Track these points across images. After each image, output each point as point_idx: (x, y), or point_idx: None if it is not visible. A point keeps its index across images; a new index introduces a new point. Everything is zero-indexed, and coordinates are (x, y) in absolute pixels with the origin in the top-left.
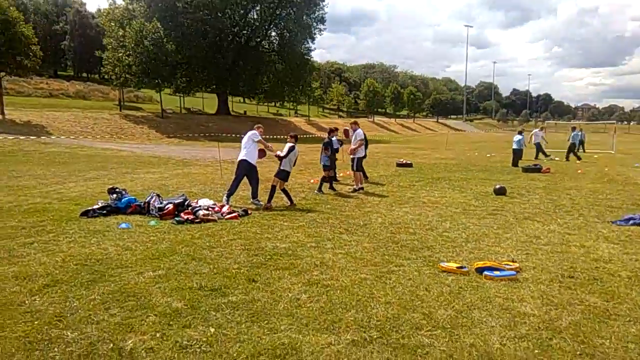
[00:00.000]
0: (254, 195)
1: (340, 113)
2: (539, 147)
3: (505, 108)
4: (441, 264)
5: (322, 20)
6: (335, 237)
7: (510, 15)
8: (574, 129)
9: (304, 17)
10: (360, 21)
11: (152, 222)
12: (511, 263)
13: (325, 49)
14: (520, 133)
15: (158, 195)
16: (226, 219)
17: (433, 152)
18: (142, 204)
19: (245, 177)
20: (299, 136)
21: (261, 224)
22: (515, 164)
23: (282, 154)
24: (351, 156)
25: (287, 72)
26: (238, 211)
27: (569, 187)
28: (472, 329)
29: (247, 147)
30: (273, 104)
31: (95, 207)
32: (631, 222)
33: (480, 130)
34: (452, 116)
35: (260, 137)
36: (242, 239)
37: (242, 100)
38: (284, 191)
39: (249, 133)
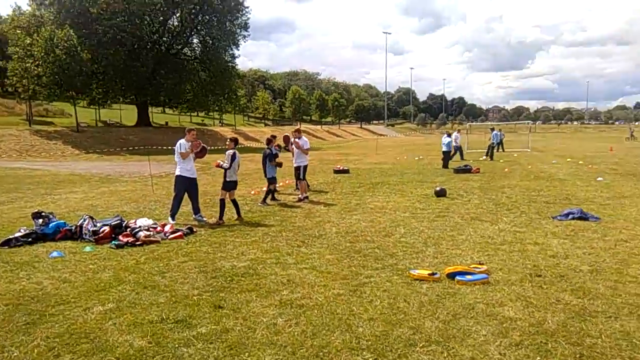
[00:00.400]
0: (196, 210)
1: (266, 121)
2: (459, 149)
3: (423, 112)
4: (411, 272)
5: (245, 27)
6: (294, 251)
7: (424, 21)
8: (492, 129)
9: (227, 24)
10: (281, 28)
11: (88, 248)
12: (479, 266)
13: (246, 56)
14: (448, 135)
15: (91, 218)
16: (170, 239)
17: (364, 157)
18: (74, 228)
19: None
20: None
21: (211, 242)
22: (445, 165)
23: (225, 165)
24: (295, 165)
25: (212, 80)
26: (182, 230)
27: (501, 185)
28: (466, 340)
29: (179, 161)
30: (196, 113)
31: (18, 234)
32: (570, 216)
33: (402, 134)
34: (374, 121)
35: (185, 147)
36: (194, 260)
37: (162, 110)
38: (234, 202)
39: (176, 145)
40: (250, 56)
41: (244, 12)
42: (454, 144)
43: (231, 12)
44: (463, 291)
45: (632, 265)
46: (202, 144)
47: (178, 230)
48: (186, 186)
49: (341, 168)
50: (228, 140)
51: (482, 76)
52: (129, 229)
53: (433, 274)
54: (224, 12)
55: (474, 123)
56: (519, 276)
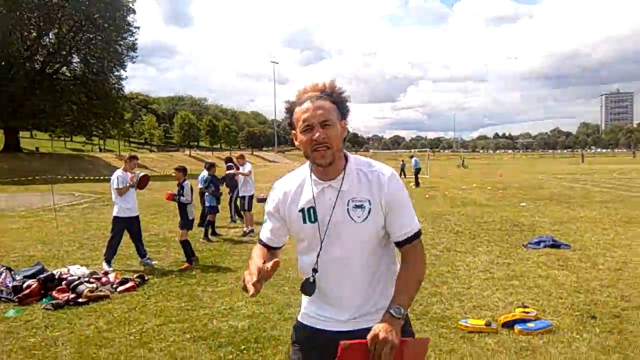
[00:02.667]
0: (142, 253)
1: (151, 147)
2: None
3: None
4: (462, 322)
5: (133, 48)
6: (292, 301)
7: (305, 54)
8: (412, 157)
9: (113, 44)
10: (160, 52)
11: (11, 312)
12: (526, 309)
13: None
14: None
15: (9, 269)
16: (120, 292)
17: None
18: None
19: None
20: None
21: (178, 294)
22: None
23: (186, 199)
24: (241, 194)
25: (94, 102)
26: (132, 279)
27: (439, 212)
28: None
29: (116, 199)
30: (70, 138)
31: None
32: (542, 244)
33: (295, 161)
34: (265, 148)
35: (122, 182)
36: (175, 322)
37: (31, 134)
38: (185, 243)
39: (112, 179)
40: (127, 79)
41: (132, 32)
42: None
43: (117, 32)
44: (535, 344)
45: None
46: (142, 172)
47: (128, 280)
48: (126, 227)
49: (264, 196)
50: (174, 171)
51: (361, 107)
52: (64, 282)
53: (488, 324)
54: (109, 31)
55: (378, 151)
56: (572, 319)
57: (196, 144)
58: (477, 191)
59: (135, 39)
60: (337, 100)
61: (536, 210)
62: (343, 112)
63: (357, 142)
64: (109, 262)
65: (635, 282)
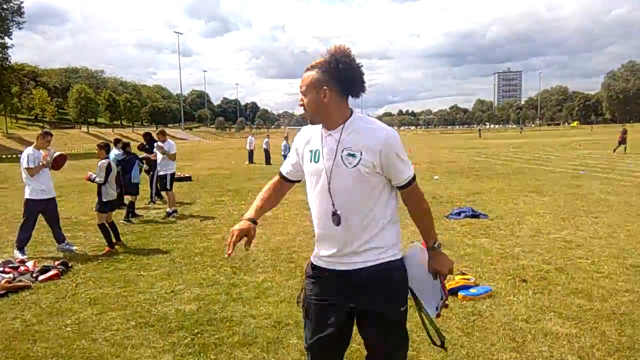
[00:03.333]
0: (60, 238)
1: (44, 124)
2: (267, 153)
3: (218, 116)
4: None
5: (19, 12)
6: (238, 281)
7: (211, 25)
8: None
9: None
10: (48, 19)
11: None
12: (465, 276)
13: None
14: (286, 139)
15: None
16: (42, 281)
17: (193, 162)
18: None
19: (41, 217)
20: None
21: (109, 280)
22: None
23: (99, 180)
24: (161, 173)
25: None
26: (53, 266)
27: None
28: None
29: (27, 179)
30: None
31: None
32: (463, 215)
33: (203, 139)
34: (170, 125)
35: (34, 160)
36: (115, 310)
37: None
38: (112, 225)
39: (22, 158)
40: (12, 47)
41: None
42: (248, 147)
43: None
44: (480, 308)
45: (578, 255)
46: (58, 152)
47: (49, 268)
48: (41, 209)
49: (183, 175)
50: (98, 148)
51: (270, 82)
52: None
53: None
54: None
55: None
56: (506, 283)
57: (94, 120)
58: None
59: (21, 2)
60: (322, 69)
61: (449, 183)
62: (331, 79)
63: (267, 119)
64: (21, 250)
65: (551, 246)
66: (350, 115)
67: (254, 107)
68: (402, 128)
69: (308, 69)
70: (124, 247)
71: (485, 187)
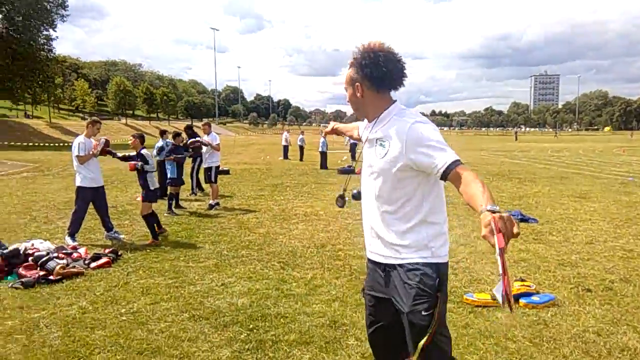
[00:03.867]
0: (109, 227)
1: (84, 114)
2: (301, 149)
3: (251, 112)
4: (468, 297)
5: (63, 5)
6: (287, 276)
7: (246, 22)
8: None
9: (41, 0)
10: (89, 13)
11: None
12: (525, 283)
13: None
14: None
15: None
16: (94, 269)
17: (229, 157)
18: None
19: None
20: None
21: (159, 270)
22: (324, 165)
23: (149, 167)
24: (206, 165)
25: (21, 63)
26: (104, 254)
27: None
28: None
29: (78, 167)
30: None
31: None
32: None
33: (237, 133)
34: (205, 119)
35: (86, 148)
36: (167, 300)
37: None
38: (151, 217)
39: (73, 146)
40: (56, 39)
41: None
42: (283, 143)
43: None
44: (544, 317)
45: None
46: (104, 138)
47: (100, 256)
48: (91, 198)
49: (220, 168)
50: (132, 139)
51: (302, 80)
52: (30, 258)
53: (494, 297)
54: None
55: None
56: (569, 292)
57: (132, 112)
58: None
59: None
60: (355, 66)
61: (491, 186)
62: (361, 75)
63: (299, 116)
64: (73, 236)
65: (611, 254)
66: (387, 108)
67: (286, 104)
68: None
69: (348, 67)
70: (170, 238)
71: (529, 191)
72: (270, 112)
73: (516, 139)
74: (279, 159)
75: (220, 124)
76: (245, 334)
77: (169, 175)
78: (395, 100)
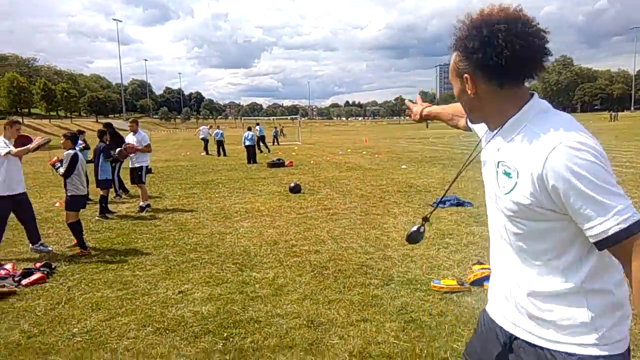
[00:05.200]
0: (35, 238)
1: None
2: (205, 142)
3: (161, 106)
4: (435, 284)
5: None
6: (246, 279)
7: (150, 12)
8: (257, 124)
9: None
10: None
11: None
12: (483, 266)
13: None
14: (249, 129)
15: None
16: (27, 285)
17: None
18: None
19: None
20: None
21: (105, 282)
22: (253, 160)
23: (60, 171)
24: (134, 165)
25: None
26: (35, 268)
27: (332, 177)
28: None
29: None
30: None
31: None
32: (448, 203)
33: (146, 129)
34: (111, 115)
35: (8, 146)
36: (122, 315)
37: None
38: (77, 225)
39: None
40: None
41: None
42: (201, 136)
43: None
44: None
45: None
46: (46, 138)
47: (32, 271)
48: (9, 206)
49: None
50: (63, 138)
51: (213, 72)
52: None
53: (461, 283)
54: None
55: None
56: None
57: (27, 110)
58: (355, 156)
59: None
60: (460, 49)
61: (419, 172)
62: (471, 63)
63: (213, 109)
64: None
65: None
66: (520, 109)
67: (198, 97)
68: (350, 119)
69: (451, 48)
70: (105, 245)
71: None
72: (182, 106)
73: (427, 126)
74: (201, 154)
75: (128, 119)
76: (222, 344)
77: (99, 177)
78: (533, 94)
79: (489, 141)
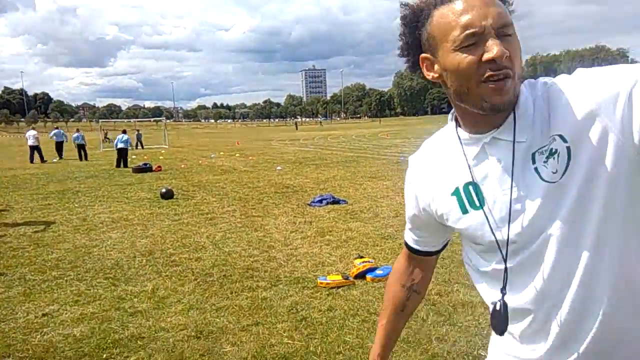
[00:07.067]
0: None
1: None
2: (36, 149)
3: (1, 108)
4: (321, 280)
5: None
6: (121, 293)
7: None
8: (124, 131)
9: None
10: None
11: None
12: (364, 260)
13: None
14: (124, 132)
15: None
16: None
17: None
18: None
19: None
20: None
21: None
22: (124, 164)
23: None
24: None
25: None
26: None
27: (207, 180)
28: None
29: None
30: None
31: None
32: (324, 202)
33: None
34: None
35: None
36: None
37: None
38: None
39: None
40: None
41: None
42: (30, 142)
43: None
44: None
45: None
46: None
47: None
48: None
49: None
50: None
51: (63, 71)
52: None
53: (346, 277)
54: None
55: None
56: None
57: None
58: (228, 159)
59: None
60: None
61: (294, 173)
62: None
63: (64, 111)
64: None
65: None
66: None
67: (45, 98)
68: (219, 121)
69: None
70: None
71: (329, 175)
72: (26, 108)
73: (297, 128)
74: (53, 160)
75: None
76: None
77: None
78: None
79: (484, 147)
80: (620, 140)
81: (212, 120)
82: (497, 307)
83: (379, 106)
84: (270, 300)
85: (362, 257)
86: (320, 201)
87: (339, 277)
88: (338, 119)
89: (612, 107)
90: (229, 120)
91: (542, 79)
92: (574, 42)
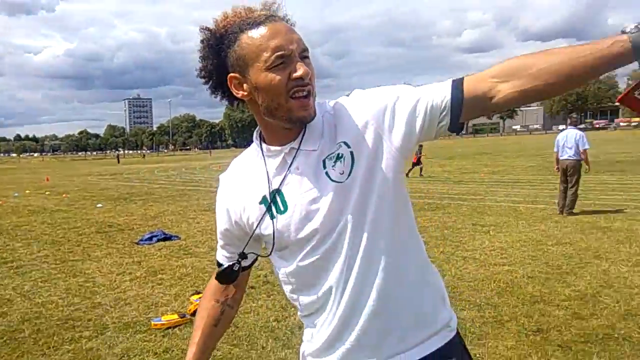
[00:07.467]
0: None
1: None
2: None
3: None
4: (156, 322)
5: None
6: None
7: None
8: None
9: None
10: None
11: None
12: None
13: None
14: None
15: None
16: None
17: None
18: None
19: None
20: None
21: None
22: None
23: None
24: None
25: None
26: None
27: (15, 222)
28: None
29: None
30: None
31: None
32: (155, 239)
33: None
34: None
35: None
36: None
37: None
38: None
39: None
40: None
41: None
42: None
43: None
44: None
45: None
46: None
47: None
48: None
49: None
50: None
51: None
52: None
53: (182, 315)
54: None
55: None
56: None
57: None
58: (36, 198)
59: None
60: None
61: (117, 209)
62: None
63: None
64: None
65: None
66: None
67: None
68: (23, 155)
69: (283, 19)
70: None
71: (159, 211)
72: None
73: (119, 161)
74: None
75: None
76: None
77: None
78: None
79: (284, 158)
80: (388, 144)
81: (14, 155)
82: (235, 268)
83: (210, 137)
84: (97, 350)
85: (199, 293)
86: (150, 238)
87: (175, 316)
88: (166, 150)
89: (382, 118)
90: (36, 154)
91: (327, 101)
92: (387, 80)
